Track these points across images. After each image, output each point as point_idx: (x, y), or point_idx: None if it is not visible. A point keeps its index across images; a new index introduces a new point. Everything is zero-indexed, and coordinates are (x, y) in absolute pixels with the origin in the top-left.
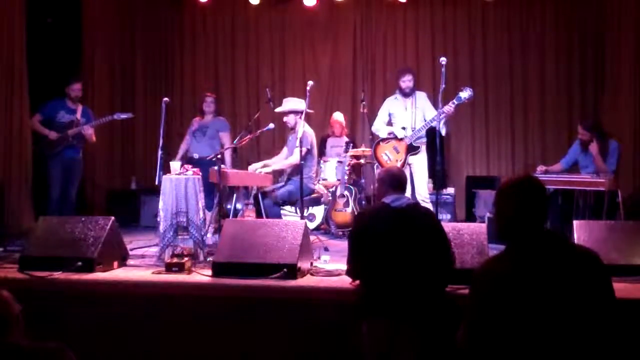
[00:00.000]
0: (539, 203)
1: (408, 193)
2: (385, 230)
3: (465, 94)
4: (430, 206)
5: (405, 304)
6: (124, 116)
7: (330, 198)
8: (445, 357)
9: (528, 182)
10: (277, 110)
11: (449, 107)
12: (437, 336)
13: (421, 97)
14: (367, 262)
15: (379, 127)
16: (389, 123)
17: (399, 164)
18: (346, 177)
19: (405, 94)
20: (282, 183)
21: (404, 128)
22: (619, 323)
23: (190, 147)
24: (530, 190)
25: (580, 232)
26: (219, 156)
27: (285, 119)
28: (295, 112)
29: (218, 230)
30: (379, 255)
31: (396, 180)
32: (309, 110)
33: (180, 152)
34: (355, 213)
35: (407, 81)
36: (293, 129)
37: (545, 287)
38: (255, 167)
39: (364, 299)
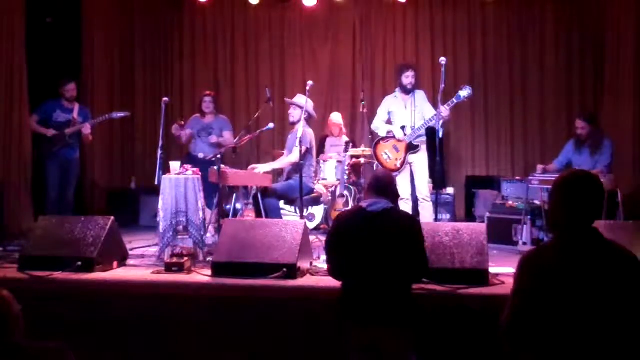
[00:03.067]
0: (591, 199)
1: (408, 193)
2: (357, 234)
3: (464, 92)
4: (430, 205)
5: (375, 306)
6: (120, 115)
7: (330, 198)
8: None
9: (584, 179)
10: (287, 100)
11: (446, 110)
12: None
13: (420, 95)
14: (341, 265)
15: (379, 126)
16: (389, 122)
17: (398, 163)
18: (346, 177)
19: (406, 91)
20: (282, 183)
21: (403, 127)
22: None
23: (195, 147)
24: (585, 185)
25: None
26: (218, 156)
27: (290, 111)
28: (302, 108)
29: (218, 230)
30: (351, 259)
31: (378, 184)
32: (313, 114)
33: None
34: None
35: (409, 77)
36: (294, 124)
37: (587, 281)
38: (260, 168)
39: (341, 300)
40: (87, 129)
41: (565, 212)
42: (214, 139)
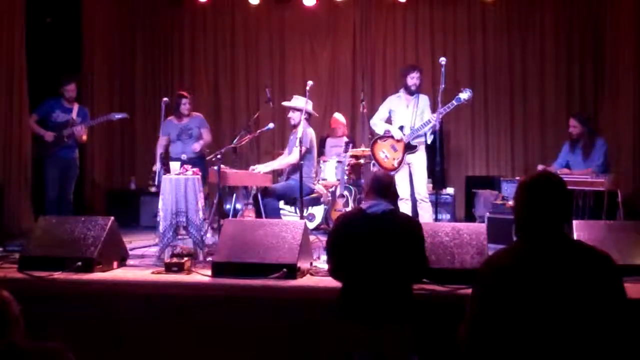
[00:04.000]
0: (551, 200)
1: (407, 193)
2: (357, 235)
3: (464, 94)
4: (429, 206)
5: (375, 306)
6: (119, 116)
7: (330, 198)
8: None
9: (543, 179)
10: (284, 103)
11: (438, 117)
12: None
13: (423, 100)
14: (342, 266)
15: (377, 123)
16: (388, 120)
17: (396, 163)
18: (346, 177)
19: (411, 92)
20: (282, 183)
21: (401, 127)
22: (629, 323)
23: (176, 149)
24: (544, 187)
25: (580, 232)
26: (218, 156)
27: (289, 114)
28: (301, 111)
29: (217, 230)
30: (352, 260)
31: (379, 186)
32: (312, 112)
33: (159, 153)
34: None
35: (415, 78)
36: (295, 127)
37: (549, 284)
38: (258, 168)
39: (341, 300)
40: (79, 132)
41: (526, 216)
42: (197, 147)
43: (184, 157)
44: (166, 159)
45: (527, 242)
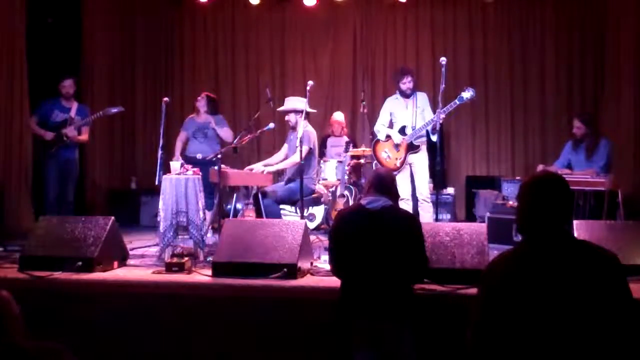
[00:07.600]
0: (555, 200)
1: (408, 193)
2: (357, 231)
3: (467, 94)
4: (430, 206)
5: (375, 303)
6: (115, 110)
7: (331, 198)
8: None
9: (547, 179)
10: (279, 109)
11: (441, 115)
12: (407, 333)
13: (422, 97)
14: (342, 262)
15: (379, 129)
16: (390, 122)
17: (398, 163)
18: (346, 177)
19: (406, 95)
20: (282, 183)
21: (404, 127)
22: (635, 324)
23: (191, 148)
24: (547, 187)
25: (580, 232)
26: (219, 156)
27: (286, 118)
28: (296, 111)
29: (218, 230)
30: (352, 256)
31: (380, 182)
32: (310, 110)
33: (178, 151)
34: None
35: (407, 83)
36: (294, 128)
37: (554, 286)
38: (257, 169)
39: (342, 297)
40: (70, 133)
41: (529, 216)
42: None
43: (199, 156)
44: (182, 156)
45: (531, 243)
